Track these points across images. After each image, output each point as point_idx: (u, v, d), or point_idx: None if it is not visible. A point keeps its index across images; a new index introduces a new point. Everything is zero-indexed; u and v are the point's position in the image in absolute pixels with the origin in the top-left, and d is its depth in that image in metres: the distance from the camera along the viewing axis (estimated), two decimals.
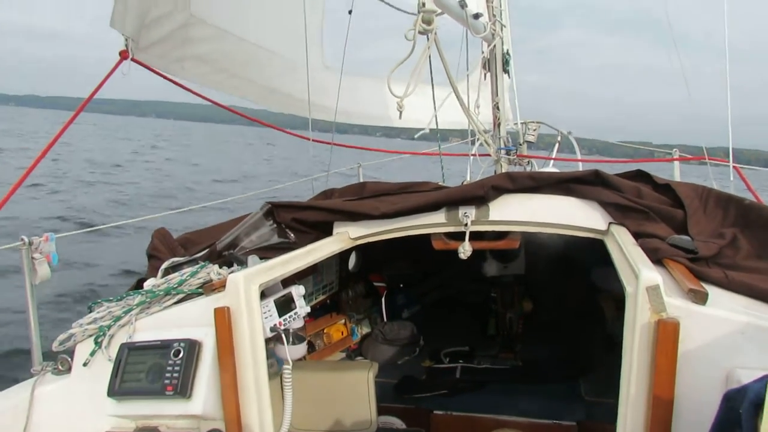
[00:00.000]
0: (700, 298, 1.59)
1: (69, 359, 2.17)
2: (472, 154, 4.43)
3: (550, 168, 5.28)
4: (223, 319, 1.90)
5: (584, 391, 3.25)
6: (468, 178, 5.10)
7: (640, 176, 2.50)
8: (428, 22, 2.39)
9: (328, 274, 3.62)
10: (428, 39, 2.49)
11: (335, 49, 4.78)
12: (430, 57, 2.61)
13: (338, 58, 4.74)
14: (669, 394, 1.55)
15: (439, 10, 2.37)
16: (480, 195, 2.43)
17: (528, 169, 4.76)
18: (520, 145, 4.81)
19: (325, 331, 3.88)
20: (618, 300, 3.88)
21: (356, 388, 3.15)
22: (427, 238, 2.66)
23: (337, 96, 4.35)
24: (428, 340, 4.08)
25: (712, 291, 1.65)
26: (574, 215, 2.39)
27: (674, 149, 5.11)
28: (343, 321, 4.00)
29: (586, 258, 4.09)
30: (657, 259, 1.88)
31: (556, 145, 5.48)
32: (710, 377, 1.55)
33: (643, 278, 1.61)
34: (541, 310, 4.09)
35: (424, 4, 2.34)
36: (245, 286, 1.94)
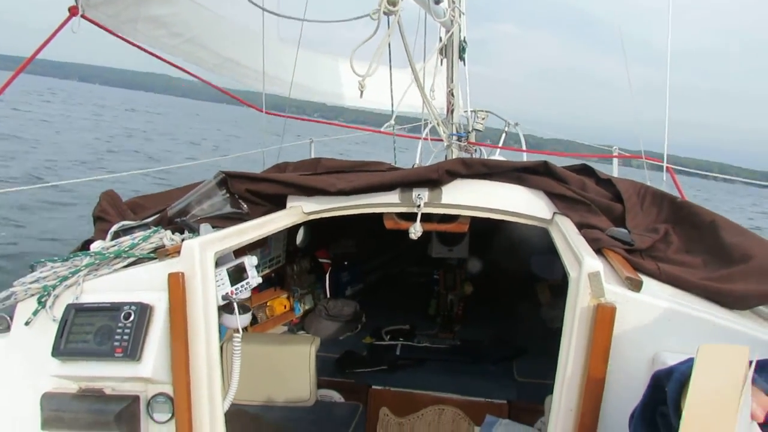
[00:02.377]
0: (636, 285, 1.71)
1: (8, 318, 2.11)
2: (425, 138, 4.50)
3: (497, 157, 5.46)
4: (177, 284, 1.89)
5: (516, 372, 3.42)
6: (417, 161, 5.19)
7: (585, 170, 2.63)
8: (393, 4, 2.42)
9: (275, 248, 3.62)
10: (391, 20, 2.53)
11: (291, 22, 4.71)
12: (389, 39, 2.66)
13: (294, 31, 4.68)
14: (602, 372, 1.67)
15: None
16: (434, 178, 2.50)
17: (477, 156, 4.89)
18: (469, 132, 4.93)
19: (268, 303, 3.89)
20: (552, 287, 4.10)
21: (298, 361, 3.20)
22: (374, 217, 2.71)
23: (294, 68, 4.31)
24: (370, 318, 4.16)
25: (646, 281, 1.77)
26: (522, 203, 2.49)
27: (614, 147, 5.37)
28: (286, 295, 4.03)
29: (525, 246, 4.28)
30: (597, 248, 2.00)
31: (503, 135, 5.64)
32: (639, 358, 1.68)
33: (585, 265, 1.72)
34: (481, 294, 4.25)
35: None
36: (200, 252, 1.94)
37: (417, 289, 4.57)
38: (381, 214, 2.70)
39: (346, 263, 4.62)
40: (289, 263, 3.98)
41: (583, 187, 2.42)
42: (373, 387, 3.34)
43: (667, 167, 4.11)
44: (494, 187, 2.54)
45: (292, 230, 3.79)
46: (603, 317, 1.65)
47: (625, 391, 1.65)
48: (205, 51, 4.25)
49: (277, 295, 3.98)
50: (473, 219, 2.68)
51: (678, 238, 2.18)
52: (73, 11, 3.05)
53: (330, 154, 3.58)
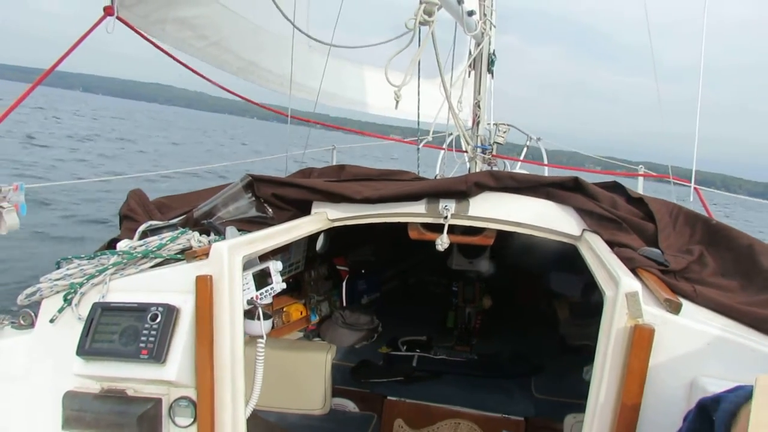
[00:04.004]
0: (675, 308, 1.67)
1: (32, 314, 2.10)
2: (449, 149, 4.48)
3: (518, 170, 5.43)
4: (204, 287, 1.87)
5: (534, 389, 3.37)
6: (438, 172, 5.17)
7: (616, 188, 2.60)
8: (429, 14, 2.40)
9: (295, 253, 3.61)
10: (425, 31, 2.51)
11: (320, 30, 4.73)
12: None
13: (324, 39, 4.69)
14: (638, 396, 1.62)
15: (439, 3, 2.38)
16: (462, 190, 2.48)
17: (500, 169, 4.86)
18: (490, 145, 4.92)
19: (284, 309, 3.88)
20: (572, 304, 4.05)
21: (314, 368, 3.17)
22: (395, 226, 2.69)
23: (323, 74, 4.31)
24: (386, 328, 4.13)
25: (683, 303, 1.72)
26: (551, 219, 2.46)
27: (640, 165, 5.32)
28: (303, 301, 4.01)
29: (545, 262, 4.24)
30: (632, 268, 1.95)
31: (525, 149, 5.62)
32: (676, 384, 1.62)
33: (623, 284, 1.68)
34: (500, 308, 4.21)
35: None
36: (229, 256, 1.92)
37: (434, 301, 4.54)
38: (402, 224, 2.68)
39: (363, 271, 4.60)
40: (307, 269, 3.97)
41: (614, 205, 2.38)
42: (389, 398, 3.31)
43: (694, 188, 4.06)
44: (522, 201, 2.51)
45: (312, 236, 3.79)
46: (640, 339, 1.61)
47: (661, 417, 1.60)
48: (230, 54, 4.26)
49: (294, 300, 3.96)
50: (498, 234, 2.66)
51: (713, 260, 2.13)
52: (108, 11, 3.08)
53: (352, 162, 3.57)
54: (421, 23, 2.39)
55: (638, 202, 2.50)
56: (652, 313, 1.66)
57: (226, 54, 4.21)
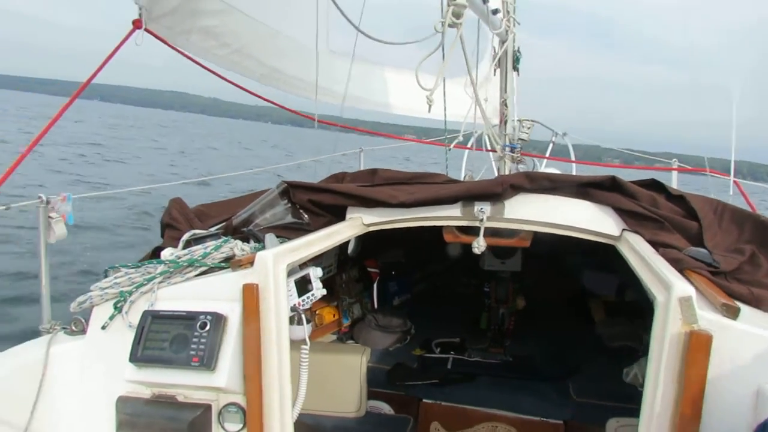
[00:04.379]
0: (733, 312, 1.61)
1: (83, 321, 2.17)
2: (478, 149, 4.48)
3: (544, 167, 5.39)
4: (251, 295, 1.91)
5: (572, 391, 3.33)
6: (464, 172, 5.16)
7: (655, 186, 2.56)
8: (458, 16, 2.42)
9: (328, 257, 3.64)
10: (453, 33, 2.52)
11: (340, 34, 4.75)
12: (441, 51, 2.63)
13: (343, 43, 4.72)
14: (697, 407, 1.57)
15: (467, 4, 2.39)
16: (497, 192, 2.47)
17: (526, 167, 4.83)
18: (518, 144, 4.89)
19: (317, 312, 3.90)
20: (607, 304, 4.01)
21: (349, 371, 3.19)
22: (426, 227, 2.69)
23: (348, 78, 4.34)
24: (418, 329, 4.13)
25: (740, 307, 1.67)
26: (588, 219, 2.44)
27: (674, 159, 5.23)
28: (335, 303, 4.02)
29: (578, 261, 4.20)
30: (679, 269, 1.91)
31: (550, 146, 5.57)
32: (741, 393, 1.57)
33: (676, 289, 1.63)
34: (533, 308, 4.18)
35: None
36: (274, 264, 1.95)
37: (464, 302, 4.52)
38: (434, 226, 2.69)
39: (393, 273, 4.61)
40: (339, 272, 3.99)
41: (655, 204, 2.34)
42: (424, 400, 3.30)
43: (734, 181, 3.98)
44: (559, 201, 2.50)
45: None
46: (697, 346, 1.56)
47: (726, 427, 1.56)
48: (253, 60, 4.30)
49: (326, 303, 3.99)
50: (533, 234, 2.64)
51: (766, 260, 2.07)
52: (137, 24, 3.13)
53: (378, 164, 3.59)
54: (450, 25, 2.40)
55: (679, 199, 2.45)
56: (708, 318, 1.61)
57: (249, 60, 4.26)
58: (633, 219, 2.31)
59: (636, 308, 3.68)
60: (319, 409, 3.15)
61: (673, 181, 5.12)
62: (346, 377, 3.21)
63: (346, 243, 3.91)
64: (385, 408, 3.36)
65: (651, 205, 2.33)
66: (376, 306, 4.33)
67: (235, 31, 4.02)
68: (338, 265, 3.87)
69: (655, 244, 2.14)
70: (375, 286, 4.39)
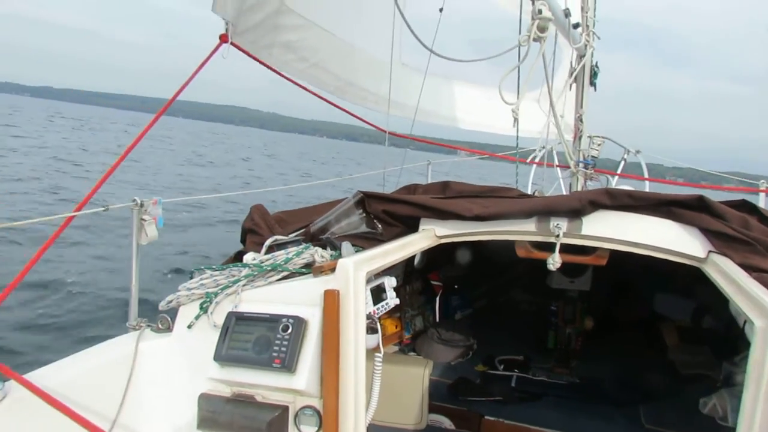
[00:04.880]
0: None
1: (169, 319, 2.27)
2: (549, 164, 4.42)
3: (614, 185, 5.26)
4: (332, 301, 1.95)
5: (643, 418, 3.20)
6: (531, 188, 5.10)
7: (745, 207, 2.45)
8: (543, 30, 2.40)
9: (397, 268, 3.66)
10: (536, 47, 2.51)
11: (413, 48, 4.80)
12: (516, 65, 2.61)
13: (416, 57, 4.77)
14: None
15: (552, 18, 2.38)
16: (576, 208, 2.43)
17: (603, 184, 4.73)
18: (593, 160, 4.79)
19: (381, 322, 3.92)
20: (681, 329, 3.85)
21: (412, 383, 3.19)
22: (491, 241, 2.67)
23: (420, 93, 4.38)
24: (481, 345, 4.09)
25: None
26: (672, 239, 2.36)
27: (762, 180, 4.96)
28: (398, 315, 4.04)
29: (650, 283, 4.05)
30: None
31: (622, 163, 5.43)
32: None
33: None
34: (601, 329, 4.07)
35: (540, 11, 2.35)
36: (354, 272, 1.99)
37: (529, 319, 4.45)
38: (501, 241, 2.66)
39: (456, 287, 4.59)
40: (404, 283, 4.01)
41: (746, 225, 2.24)
42: (486, 417, 3.26)
43: None
44: (640, 220, 2.42)
45: None
46: None
47: None
48: (328, 74, 4.41)
49: (390, 314, 4.00)
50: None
51: None
52: (223, 39, 3.27)
53: (447, 177, 3.59)
54: (534, 39, 2.39)
55: None
56: None
57: (325, 74, 4.37)
58: (721, 241, 2.22)
59: (714, 335, 3.52)
60: (380, 419, 3.16)
61: (761, 203, 4.87)
62: (408, 389, 3.20)
63: (414, 255, 3.93)
64: (446, 422, 3.33)
65: (742, 226, 2.23)
66: (438, 319, 4.33)
67: (314, 46, 4.13)
68: (404, 276, 3.89)
69: (747, 268, 2.04)
70: (438, 299, 4.39)
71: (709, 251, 2.27)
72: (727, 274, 2.00)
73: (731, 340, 3.12)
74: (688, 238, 2.33)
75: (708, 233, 2.27)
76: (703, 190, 2.46)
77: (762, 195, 4.88)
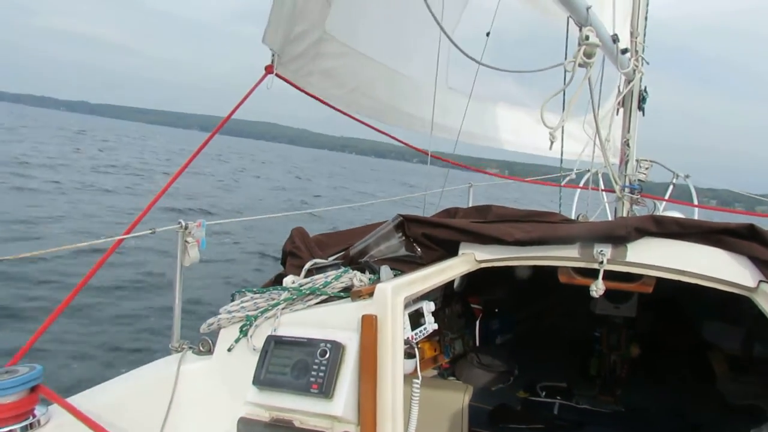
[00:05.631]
0: None
1: (210, 341, 2.30)
2: (594, 188, 4.34)
3: (662, 210, 5.11)
4: (370, 326, 1.95)
5: None
6: (574, 212, 5.00)
7: None
8: (589, 56, 2.38)
9: (435, 291, 3.64)
10: (583, 72, 2.49)
11: (458, 71, 4.82)
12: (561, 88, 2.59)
13: (460, 81, 4.78)
14: None
15: (600, 44, 2.35)
16: (621, 235, 2.38)
17: (649, 209, 4.61)
18: (639, 185, 4.68)
19: (419, 345, 3.89)
20: (731, 358, 3.69)
21: (451, 408, 3.13)
22: (534, 268, 2.62)
23: (462, 118, 4.39)
24: (522, 371, 4.01)
25: None
26: (721, 268, 2.29)
27: None
28: (437, 338, 4.00)
29: (697, 311, 3.91)
30: None
31: (671, 188, 5.29)
32: None
33: None
34: (647, 357, 3.94)
35: (587, 38, 2.34)
36: (393, 296, 1.99)
37: (572, 345, 4.34)
38: (543, 266, 2.61)
39: (496, 310, 4.52)
40: (443, 306, 3.98)
41: None
42: None
43: None
44: (687, 247, 2.35)
45: None
46: None
47: None
48: (367, 99, 4.45)
49: (429, 337, 3.96)
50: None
51: None
52: (268, 69, 3.36)
53: (489, 200, 3.56)
54: (580, 65, 2.37)
55: None
56: None
57: (364, 99, 4.41)
58: None
59: (765, 365, 3.38)
60: None
61: None
62: (447, 414, 3.15)
63: (454, 278, 3.90)
64: None
65: None
66: (478, 343, 4.26)
67: (353, 72, 4.18)
68: (443, 299, 3.86)
69: None
70: (478, 322, 4.32)
71: (760, 281, 2.20)
72: None
73: None
74: (738, 267, 2.26)
75: (758, 262, 2.21)
76: (753, 218, 2.37)
77: None
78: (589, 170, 5.03)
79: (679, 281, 2.39)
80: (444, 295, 3.84)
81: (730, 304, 3.37)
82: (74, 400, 1.84)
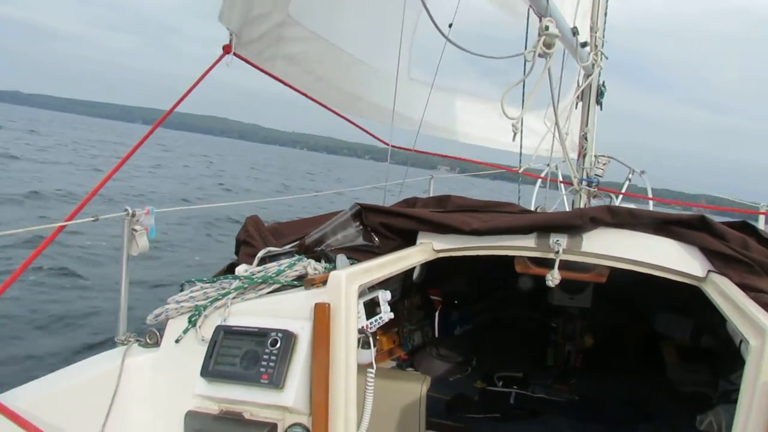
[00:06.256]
0: None
1: (157, 333, 2.21)
2: (552, 180, 4.38)
3: (619, 204, 5.21)
4: (323, 314, 1.90)
5: None
6: (534, 205, 5.05)
7: (745, 228, 2.42)
8: (549, 46, 2.38)
9: (393, 282, 3.61)
10: (542, 63, 2.49)
11: (420, 64, 4.79)
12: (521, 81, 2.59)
13: (422, 73, 4.76)
14: None
15: (559, 35, 2.35)
16: (577, 224, 2.39)
17: (605, 203, 4.70)
18: (596, 179, 4.76)
19: (378, 337, 3.87)
20: (680, 348, 3.79)
21: (408, 399, 3.12)
22: (491, 257, 2.63)
23: (424, 109, 4.36)
24: (480, 361, 4.04)
25: None
26: (672, 258, 2.32)
27: (761, 203, 4.94)
28: (396, 330, 3.98)
29: (650, 302, 4.00)
30: None
31: (626, 183, 5.40)
32: None
33: None
34: (601, 347, 4.01)
35: (547, 28, 2.34)
36: (346, 284, 1.94)
37: (529, 336, 4.39)
38: (500, 256, 2.61)
39: (456, 302, 4.53)
40: (402, 298, 3.96)
41: (745, 246, 2.21)
42: None
43: None
44: (641, 238, 2.38)
45: None
46: None
47: None
48: (333, 88, 4.38)
49: (387, 329, 3.95)
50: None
51: None
52: (226, 49, 3.25)
53: (448, 192, 3.55)
54: (540, 55, 2.37)
55: None
56: None
57: (330, 88, 4.34)
58: (721, 261, 2.19)
59: (712, 354, 3.48)
60: None
61: (760, 226, 4.83)
62: (404, 405, 3.14)
63: (413, 270, 3.88)
64: None
65: (741, 247, 2.20)
66: (437, 335, 4.27)
67: (318, 60, 4.10)
68: (402, 291, 3.84)
69: (745, 288, 2.02)
70: (437, 314, 4.33)
71: (709, 271, 2.25)
72: (725, 294, 1.97)
73: (729, 358, 3.10)
74: (688, 257, 2.30)
75: (708, 253, 2.25)
76: (705, 212, 2.42)
77: (762, 217, 4.84)
78: (548, 165, 5.10)
79: (633, 271, 2.42)
80: (403, 287, 3.82)
81: (681, 296, 3.45)
82: (4, 396, 1.73)
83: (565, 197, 5.32)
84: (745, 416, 1.58)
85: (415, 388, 3.12)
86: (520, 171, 4.17)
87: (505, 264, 2.71)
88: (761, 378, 1.55)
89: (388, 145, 4.10)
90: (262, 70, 3.53)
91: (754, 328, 1.66)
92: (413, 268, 3.87)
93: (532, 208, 4.77)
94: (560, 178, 5.18)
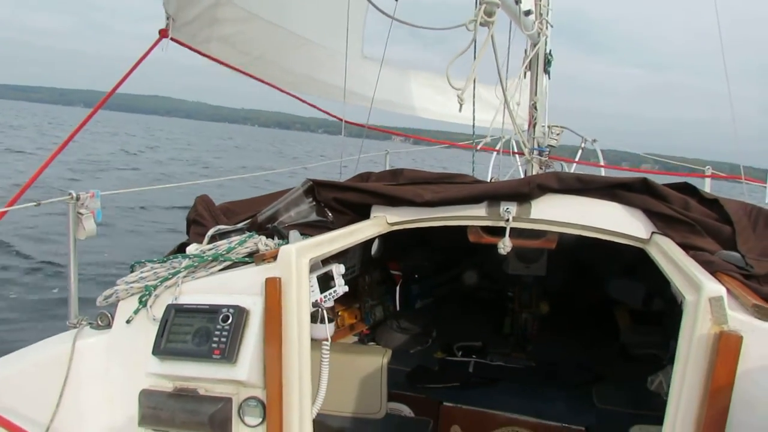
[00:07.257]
0: (764, 314, 1.57)
1: (109, 315, 2.19)
2: (505, 151, 4.44)
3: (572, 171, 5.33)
4: (273, 289, 1.91)
5: (595, 398, 3.27)
6: (490, 175, 5.12)
7: (687, 189, 2.49)
8: (489, 14, 2.39)
9: (351, 257, 3.63)
10: (485, 32, 2.49)
11: (372, 41, 4.78)
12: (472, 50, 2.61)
13: (373, 50, 4.74)
14: (724, 409, 1.53)
15: (499, 3, 2.36)
16: (524, 192, 2.44)
17: (558, 171, 4.79)
18: (547, 148, 4.84)
19: (339, 313, 3.90)
20: (632, 312, 3.93)
21: (369, 372, 3.17)
22: (449, 230, 2.67)
23: (376, 82, 4.35)
24: (440, 333, 4.11)
25: None
26: (617, 221, 2.39)
27: (707, 166, 5.10)
28: (357, 305, 4.02)
29: (604, 268, 4.13)
30: (711, 272, 1.86)
31: (579, 151, 5.51)
32: None
33: (706, 288, 1.59)
34: (557, 314, 4.12)
35: None
36: (297, 258, 1.95)
37: (487, 305, 4.49)
38: (457, 227, 2.66)
39: (416, 276, 4.59)
40: (362, 273, 3.99)
41: (686, 207, 2.28)
42: (445, 404, 3.28)
43: None
44: (587, 203, 2.44)
45: (368, 240, 3.80)
46: (726, 347, 1.51)
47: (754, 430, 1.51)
48: (276, 68, 4.31)
49: (349, 304, 3.98)
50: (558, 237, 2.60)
51: None
52: (163, 33, 3.18)
53: (405, 166, 3.57)
54: (481, 24, 2.37)
55: (712, 203, 2.38)
56: (739, 319, 1.56)
57: (273, 68, 4.27)
58: (663, 222, 2.26)
59: (662, 316, 3.62)
60: (339, 410, 3.14)
61: (706, 189, 5.00)
62: (366, 378, 3.19)
63: (371, 245, 3.90)
64: (405, 410, 3.33)
65: (683, 208, 2.27)
66: (398, 308, 4.32)
67: (256, 39, 4.02)
68: (361, 266, 3.87)
69: (686, 247, 2.08)
70: (398, 288, 4.38)
71: (653, 232, 2.31)
72: (667, 254, 2.03)
73: (677, 319, 3.23)
74: (632, 219, 2.36)
75: (651, 215, 2.31)
76: (652, 176, 2.49)
77: (707, 180, 5.01)
78: (503, 137, 5.16)
79: (585, 238, 2.48)
80: (362, 262, 3.84)
81: (632, 262, 3.56)
82: None
83: (520, 167, 5.42)
84: (682, 370, 1.63)
85: (375, 361, 3.16)
86: (477, 148, 4.20)
87: (462, 236, 2.75)
88: (697, 331, 1.59)
89: (341, 120, 4.08)
90: (198, 52, 3.48)
91: (690, 285, 1.71)
92: (372, 244, 3.91)
93: (488, 179, 4.84)
94: (514, 149, 5.26)
